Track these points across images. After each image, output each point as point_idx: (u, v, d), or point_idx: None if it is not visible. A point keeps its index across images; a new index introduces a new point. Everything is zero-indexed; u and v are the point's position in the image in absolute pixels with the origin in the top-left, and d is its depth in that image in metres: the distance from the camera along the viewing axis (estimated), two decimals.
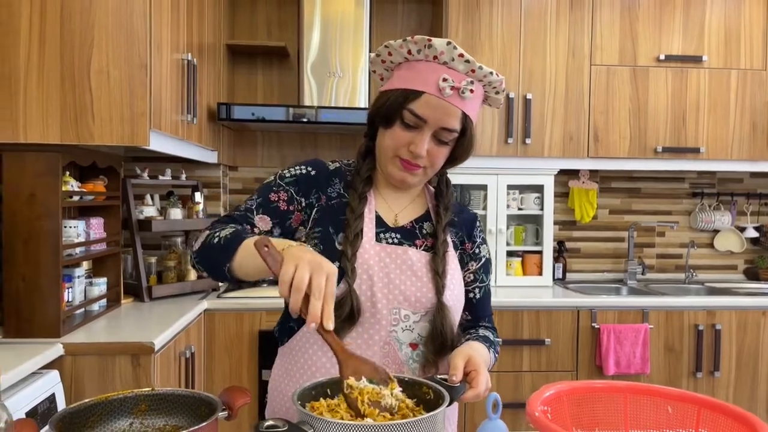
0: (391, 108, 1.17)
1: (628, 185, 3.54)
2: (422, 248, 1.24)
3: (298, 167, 1.26)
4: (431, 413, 0.86)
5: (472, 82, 1.14)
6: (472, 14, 3.02)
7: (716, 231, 3.58)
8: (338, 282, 1.14)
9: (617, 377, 2.78)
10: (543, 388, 1.03)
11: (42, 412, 1.68)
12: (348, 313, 1.13)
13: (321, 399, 0.98)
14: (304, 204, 1.23)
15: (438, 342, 1.18)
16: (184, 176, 2.91)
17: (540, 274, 3.19)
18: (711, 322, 2.88)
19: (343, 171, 1.28)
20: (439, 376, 1.07)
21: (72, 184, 2.11)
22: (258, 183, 3.33)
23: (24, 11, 1.88)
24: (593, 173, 3.45)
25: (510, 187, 3.18)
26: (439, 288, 1.19)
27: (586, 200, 3.42)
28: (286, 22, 3.30)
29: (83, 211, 2.40)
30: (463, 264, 1.30)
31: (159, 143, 2.14)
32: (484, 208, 3.16)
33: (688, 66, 3.11)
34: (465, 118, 1.17)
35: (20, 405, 1.56)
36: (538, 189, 3.20)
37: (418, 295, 1.19)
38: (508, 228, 3.22)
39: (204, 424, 0.91)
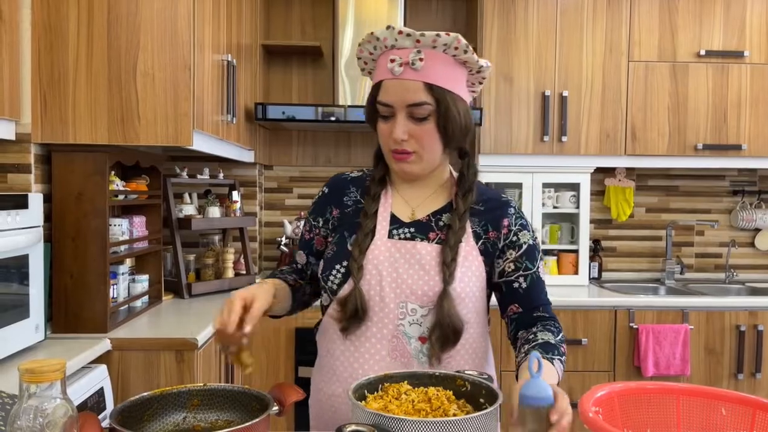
0: (369, 109, 1.25)
1: (665, 183, 3.47)
2: (435, 241, 1.24)
3: (319, 192, 1.38)
4: (493, 406, 0.87)
5: (419, 51, 1.16)
6: (507, 11, 3.00)
7: (757, 230, 3.50)
8: (346, 281, 1.22)
9: (656, 378, 2.74)
10: (594, 388, 1.02)
11: (91, 405, 1.72)
12: (353, 311, 1.18)
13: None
14: (321, 224, 1.34)
15: (440, 333, 1.17)
16: (221, 175, 2.95)
17: (576, 273, 3.16)
18: (753, 323, 2.82)
19: (362, 178, 1.34)
20: (468, 372, 1.05)
21: (117, 184, 2.16)
22: (292, 182, 3.38)
23: (72, 15, 1.93)
24: (629, 171, 3.39)
25: (545, 185, 3.15)
26: (445, 278, 1.18)
27: (623, 198, 3.37)
28: (320, 21, 3.32)
29: (126, 210, 2.45)
30: (495, 253, 1.26)
31: (201, 143, 2.18)
32: (519, 207, 3.14)
33: (729, 61, 3.04)
34: (431, 89, 1.16)
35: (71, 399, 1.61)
36: (574, 187, 3.16)
37: (425, 289, 1.20)
38: (543, 226, 3.20)
39: (257, 419, 0.92)
